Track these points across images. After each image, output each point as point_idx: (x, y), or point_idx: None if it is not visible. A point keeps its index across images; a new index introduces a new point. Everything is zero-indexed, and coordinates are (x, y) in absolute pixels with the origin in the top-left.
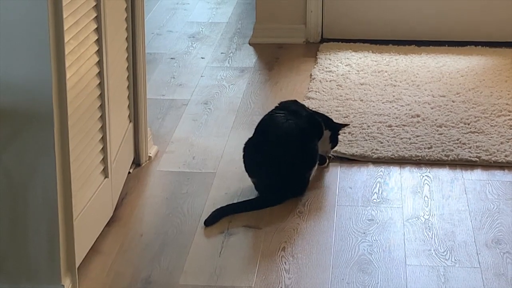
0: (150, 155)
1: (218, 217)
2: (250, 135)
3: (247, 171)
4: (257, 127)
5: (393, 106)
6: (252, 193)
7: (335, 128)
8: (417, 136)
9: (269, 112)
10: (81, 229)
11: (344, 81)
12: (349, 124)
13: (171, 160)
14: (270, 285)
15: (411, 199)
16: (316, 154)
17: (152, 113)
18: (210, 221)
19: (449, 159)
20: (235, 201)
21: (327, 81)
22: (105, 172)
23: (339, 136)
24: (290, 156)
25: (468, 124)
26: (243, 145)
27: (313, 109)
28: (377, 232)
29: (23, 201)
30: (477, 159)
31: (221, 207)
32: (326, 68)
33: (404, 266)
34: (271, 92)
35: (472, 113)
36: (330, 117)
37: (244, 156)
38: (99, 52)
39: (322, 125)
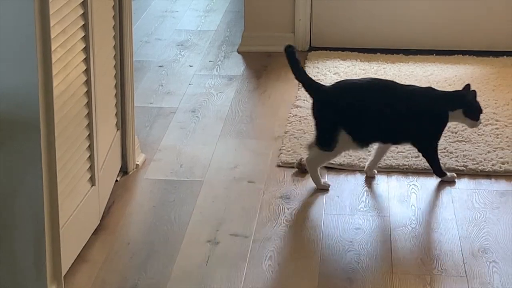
0: (138, 163)
1: None
2: (238, 143)
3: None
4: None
5: None
6: (240, 201)
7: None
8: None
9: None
10: (67, 237)
11: None
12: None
13: (158, 168)
14: None
15: (398, 208)
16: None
17: (140, 121)
18: None
19: None
20: (222, 210)
21: None
22: (92, 180)
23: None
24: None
25: (455, 133)
26: (230, 153)
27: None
28: (364, 241)
29: (9, 209)
30: (464, 168)
31: None
32: (314, 76)
33: (391, 275)
34: (259, 100)
35: None
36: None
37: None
38: (86, 60)
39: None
